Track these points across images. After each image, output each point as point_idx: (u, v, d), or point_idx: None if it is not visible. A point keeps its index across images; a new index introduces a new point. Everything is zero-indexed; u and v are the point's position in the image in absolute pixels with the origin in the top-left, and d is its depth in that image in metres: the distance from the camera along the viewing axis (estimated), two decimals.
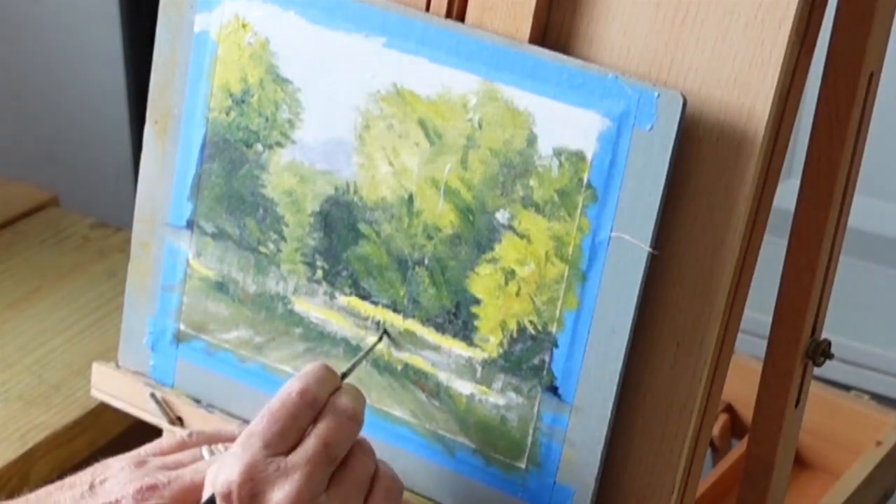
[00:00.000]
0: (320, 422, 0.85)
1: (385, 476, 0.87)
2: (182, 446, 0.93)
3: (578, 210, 0.86)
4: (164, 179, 0.99)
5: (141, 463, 0.90)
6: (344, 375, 0.89)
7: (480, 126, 0.88)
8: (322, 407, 0.85)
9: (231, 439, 0.92)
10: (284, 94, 0.94)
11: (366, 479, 0.85)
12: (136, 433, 1.15)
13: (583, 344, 0.87)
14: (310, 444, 0.84)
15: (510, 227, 0.88)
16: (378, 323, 0.93)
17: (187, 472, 0.89)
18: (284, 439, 0.84)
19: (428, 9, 0.90)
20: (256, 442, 0.83)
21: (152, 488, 0.88)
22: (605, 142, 0.84)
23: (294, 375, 0.86)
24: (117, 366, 1.04)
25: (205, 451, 0.92)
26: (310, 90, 0.93)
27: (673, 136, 0.82)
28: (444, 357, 0.91)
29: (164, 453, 0.92)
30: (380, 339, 0.93)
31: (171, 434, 0.97)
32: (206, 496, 0.84)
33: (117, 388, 1.03)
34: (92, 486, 0.90)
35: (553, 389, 0.88)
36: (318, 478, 0.83)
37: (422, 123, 0.90)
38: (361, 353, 0.93)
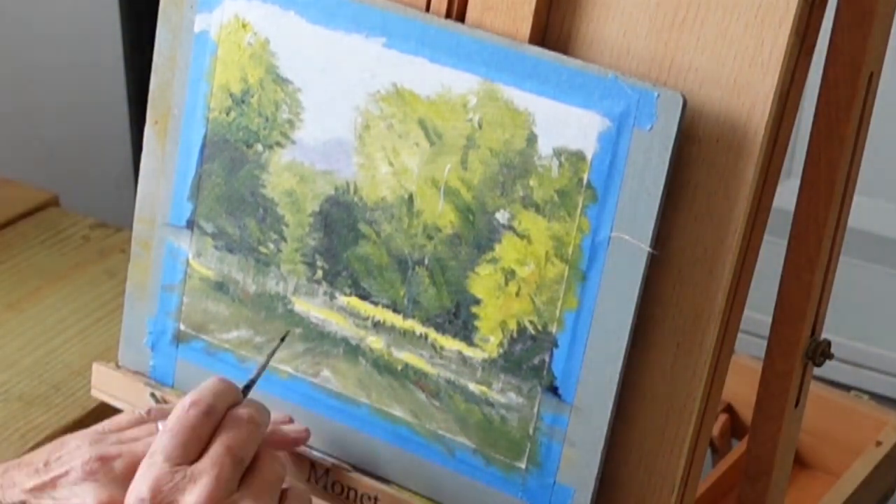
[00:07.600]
0: (221, 430, 0.87)
1: (297, 488, 0.90)
2: (139, 422, 0.94)
3: (578, 210, 0.86)
4: (164, 179, 0.99)
5: (97, 440, 0.92)
6: (247, 387, 0.91)
7: (480, 126, 0.88)
8: (221, 417, 0.88)
9: None
10: (284, 94, 0.94)
11: (276, 481, 0.88)
12: None
13: (583, 344, 0.87)
14: (213, 450, 0.86)
15: (510, 227, 0.88)
16: (378, 323, 0.93)
17: (140, 445, 0.91)
18: (186, 451, 0.86)
19: (428, 9, 0.90)
20: (159, 458, 0.86)
21: (102, 459, 0.89)
22: (605, 142, 0.84)
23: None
24: (117, 366, 1.04)
25: (160, 424, 0.92)
26: (310, 90, 0.93)
27: (673, 136, 0.82)
28: (444, 357, 0.91)
29: (121, 429, 0.94)
30: (281, 340, 0.94)
31: (131, 411, 0.98)
32: None
33: (117, 388, 1.03)
34: (47, 463, 0.91)
35: (553, 389, 0.88)
36: (225, 478, 0.85)
37: (422, 123, 0.90)
38: (263, 363, 0.93)
